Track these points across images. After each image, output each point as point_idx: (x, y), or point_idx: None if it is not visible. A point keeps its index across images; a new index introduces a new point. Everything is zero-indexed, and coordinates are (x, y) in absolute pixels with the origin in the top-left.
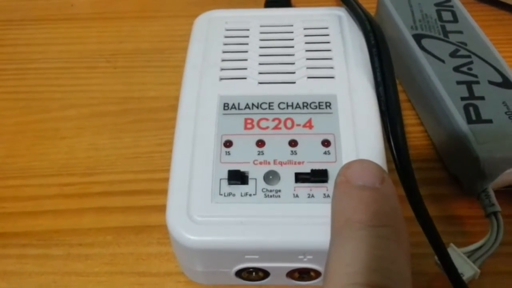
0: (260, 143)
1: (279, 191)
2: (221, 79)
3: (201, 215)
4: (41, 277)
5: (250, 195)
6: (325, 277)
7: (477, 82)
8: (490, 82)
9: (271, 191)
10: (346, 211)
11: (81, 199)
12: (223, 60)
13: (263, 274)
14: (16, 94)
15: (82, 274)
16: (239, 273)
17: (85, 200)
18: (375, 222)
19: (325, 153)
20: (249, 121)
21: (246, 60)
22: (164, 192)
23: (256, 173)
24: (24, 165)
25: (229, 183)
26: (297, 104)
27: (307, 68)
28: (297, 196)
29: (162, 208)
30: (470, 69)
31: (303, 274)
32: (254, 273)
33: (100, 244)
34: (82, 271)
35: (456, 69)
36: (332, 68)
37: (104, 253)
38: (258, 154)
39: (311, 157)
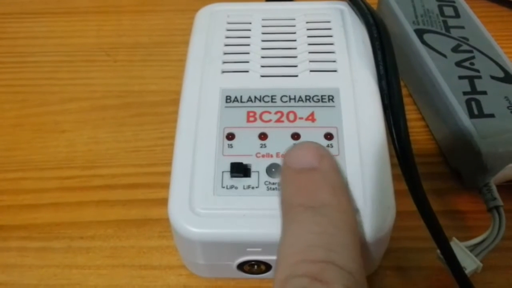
0: (263, 136)
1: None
2: (223, 72)
3: (204, 208)
4: (41, 270)
5: (252, 187)
6: (276, 262)
7: (479, 77)
8: (492, 77)
9: (273, 183)
10: (288, 197)
11: (82, 192)
12: (225, 53)
13: (265, 267)
14: (15, 87)
15: (83, 267)
16: (241, 266)
17: (85, 193)
18: (313, 203)
19: (328, 146)
20: (251, 114)
21: (248, 53)
22: (165, 185)
23: (258, 165)
24: (24, 158)
25: (232, 176)
26: (300, 97)
27: (310, 61)
28: None
29: (163, 202)
30: (472, 64)
31: None
32: (256, 266)
33: (101, 237)
34: (83, 264)
35: (458, 64)
36: (334, 61)
37: (105, 246)
38: (261, 146)
39: None
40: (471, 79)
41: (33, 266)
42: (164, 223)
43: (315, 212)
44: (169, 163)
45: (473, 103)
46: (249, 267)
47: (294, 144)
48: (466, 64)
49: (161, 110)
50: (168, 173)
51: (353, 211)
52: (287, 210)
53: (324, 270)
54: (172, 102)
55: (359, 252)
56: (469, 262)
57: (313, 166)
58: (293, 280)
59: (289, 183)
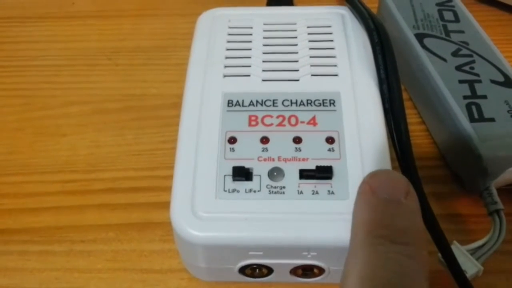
0: (265, 140)
1: (284, 187)
2: (225, 76)
3: (206, 211)
4: (43, 273)
5: (254, 191)
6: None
7: (479, 81)
8: (492, 81)
9: (275, 187)
10: (369, 223)
11: (83, 196)
12: (226, 58)
13: (267, 270)
14: (16, 91)
15: (85, 270)
16: (243, 270)
17: (87, 197)
18: (397, 238)
19: (329, 150)
20: (253, 118)
21: (249, 57)
22: (166, 189)
23: (260, 169)
24: (25, 161)
25: (234, 180)
26: (301, 101)
27: (311, 65)
28: (301, 192)
29: (164, 205)
30: (472, 68)
31: (307, 271)
32: (257, 269)
33: (102, 240)
34: (85, 267)
35: (458, 68)
36: (335, 66)
37: (107, 249)
38: (263, 150)
39: (315, 154)
40: (471, 83)
41: (34, 270)
42: (166, 226)
43: (396, 249)
44: (170, 166)
45: (473, 107)
46: (251, 270)
47: (381, 170)
48: (466, 68)
49: (162, 114)
50: (169, 177)
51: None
52: (365, 237)
53: None
54: (173, 105)
55: None
56: (470, 266)
57: (400, 200)
58: None
59: (371, 209)
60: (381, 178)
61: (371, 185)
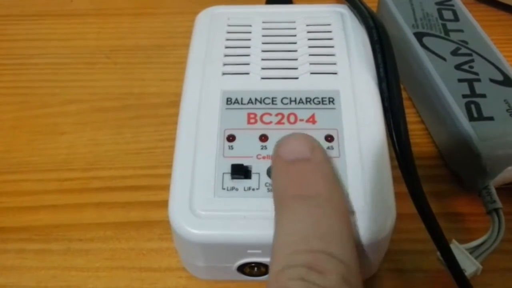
0: (264, 138)
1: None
2: (224, 74)
3: (204, 209)
4: (40, 272)
5: (253, 189)
6: (271, 253)
7: (478, 80)
8: (491, 80)
9: None
10: (281, 187)
11: (81, 194)
12: (225, 55)
13: (265, 269)
14: (14, 89)
15: (82, 269)
16: (241, 268)
17: (85, 195)
18: (307, 193)
19: (328, 148)
20: (252, 115)
21: (248, 55)
22: (164, 187)
23: (259, 167)
24: (23, 160)
25: (232, 178)
26: (300, 99)
27: (310, 64)
28: None
29: (162, 204)
30: (471, 67)
31: None
32: (256, 268)
33: (100, 239)
34: (82, 266)
35: (458, 67)
36: (335, 64)
37: (105, 248)
38: (262, 148)
39: None
40: (470, 82)
41: (32, 268)
42: (164, 225)
43: (309, 202)
44: (168, 165)
45: (473, 106)
46: (250, 269)
47: (285, 135)
48: (466, 67)
49: (161, 112)
50: (167, 175)
51: (345, 201)
52: (280, 200)
53: (320, 260)
54: (172, 104)
55: (353, 242)
56: (469, 264)
57: (306, 157)
58: (289, 270)
59: (281, 174)
60: (285, 143)
61: (278, 152)
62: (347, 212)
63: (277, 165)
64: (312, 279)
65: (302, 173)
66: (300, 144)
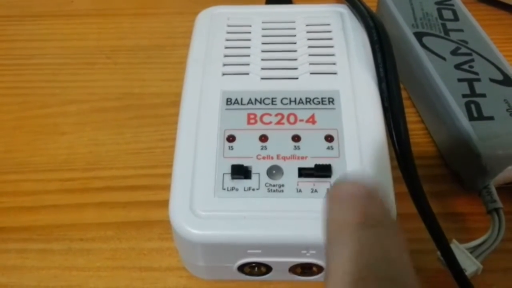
0: (263, 138)
1: (282, 185)
2: (224, 74)
3: (204, 210)
4: (41, 272)
5: (253, 189)
6: (328, 279)
7: (478, 80)
8: (491, 80)
9: (274, 185)
10: (339, 217)
11: (82, 194)
12: (225, 56)
13: (266, 269)
14: (15, 89)
15: (83, 269)
16: (242, 268)
17: (86, 195)
18: (370, 222)
19: (328, 148)
20: (252, 116)
21: (248, 56)
22: (165, 187)
23: (259, 167)
24: (24, 160)
25: (232, 178)
26: (300, 99)
27: (310, 64)
28: (300, 191)
29: (163, 204)
30: (471, 66)
31: (306, 269)
32: (256, 268)
33: (101, 239)
34: (83, 266)
35: (457, 66)
36: (334, 64)
37: (105, 248)
38: (261, 149)
39: (314, 152)
40: (470, 82)
41: (33, 268)
42: (165, 225)
43: (372, 231)
44: (169, 165)
45: (473, 106)
46: (250, 269)
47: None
48: (465, 67)
49: (161, 112)
50: (168, 175)
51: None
52: (338, 228)
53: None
54: (172, 104)
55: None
56: (469, 264)
57: (362, 194)
58: None
59: (338, 206)
60: (345, 183)
61: (336, 190)
62: (408, 248)
63: (333, 201)
64: None
65: (361, 204)
66: (358, 184)
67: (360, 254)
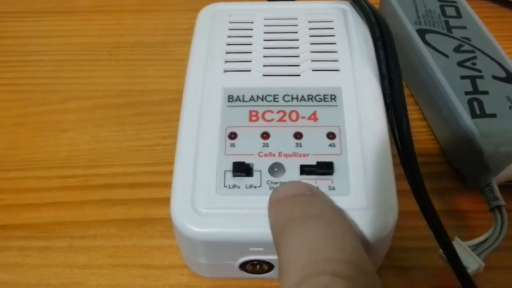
0: (265, 135)
1: (284, 183)
2: (226, 71)
3: (206, 207)
4: (43, 269)
5: (255, 187)
6: (280, 270)
7: (481, 77)
8: (494, 77)
9: (276, 183)
10: (283, 215)
11: (84, 192)
12: (227, 53)
13: (267, 266)
14: (17, 86)
15: (85, 266)
16: (243, 266)
17: (87, 193)
18: (313, 213)
19: (330, 145)
20: (253, 113)
21: (250, 52)
22: (167, 185)
23: (261, 165)
24: (26, 157)
25: (234, 175)
26: (302, 96)
27: (312, 61)
28: None
29: (165, 201)
30: (474, 64)
31: None
32: (258, 265)
33: (102, 236)
34: (85, 263)
35: (460, 64)
36: (337, 61)
37: (107, 245)
38: (263, 146)
39: (316, 150)
40: (473, 79)
41: (35, 266)
42: (166, 222)
43: (317, 220)
44: (170, 162)
45: (475, 103)
46: (251, 266)
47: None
48: (468, 64)
49: (163, 109)
50: (169, 172)
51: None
52: (285, 225)
53: (342, 268)
54: (173, 101)
55: (366, 254)
56: (471, 262)
57: (305, 193)
58: (311, 279)
59: (283, 204)
60: (283, 187)
61: (275, 196)
62: (352, 227)
63: (276, 203)
64: (338, 286)
65: (305, 200)
66: (299, 186)
67: (309, 242)
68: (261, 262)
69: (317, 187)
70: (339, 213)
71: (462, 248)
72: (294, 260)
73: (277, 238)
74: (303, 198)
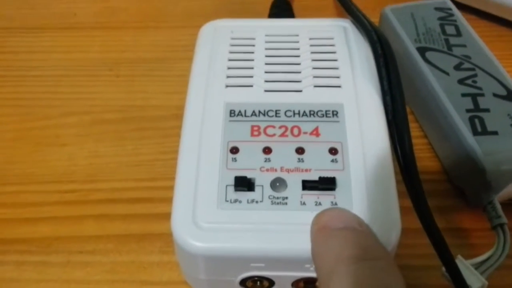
0: (267, 150)
1: (286, 198)
2: (227, 86)
3: (207, 222)
4: (40, 284)
5: (256, 202)
6: None
7: (482, 95)
8: (495, 95)
9: (278, 198)
10: (334, 250)
11: (82, 206)
12: (229, 68)
13: (268, 283)
14: (16, 100)
15: (82, 282)
16: (244, 282)
17: (85, 207)
18: (367, 255)
19: (332, 161)
20: (255, 128)
21: (252, 68)
22: (165, 200)
23: (262, 180)
24: (24, 171)
25: (236, 190)
26: (304, 112)
27: (314, 77)
28: (304, 203)
29: (164, 216)
30: (474, 81)
31: (309, 284)
32: (259, 282)
33: (100, 251)
34: (82, 279)
35: (461, 81)
36: (338, 77)
37: (105, 261)
38: (265, 161)
39: (318, 165)
40: (474, 97)
41: (31, 281)
42: (165, 238)
43: (369, 264)
44: (170, 177)
45: (476, 121)
46: (252, 283)
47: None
48: (469, 81)
49: (162, 125)
50: (168, 188)
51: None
52: (334, 262)
53: None
54: (173, 117)
55: None
56: (474, 280)
57: (355, 227)
58: None
59: (332, 238)
60: (331, 214)
61: (323, 221)
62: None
63: (323, 233)
64: None
65: (356, 238)
66: (348, 216)
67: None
68: (262, 278)
69: (363, 222)
70: (387, 252)
71: (465, 267)
72: None
73: (324, 277)
74: (354, 234)
